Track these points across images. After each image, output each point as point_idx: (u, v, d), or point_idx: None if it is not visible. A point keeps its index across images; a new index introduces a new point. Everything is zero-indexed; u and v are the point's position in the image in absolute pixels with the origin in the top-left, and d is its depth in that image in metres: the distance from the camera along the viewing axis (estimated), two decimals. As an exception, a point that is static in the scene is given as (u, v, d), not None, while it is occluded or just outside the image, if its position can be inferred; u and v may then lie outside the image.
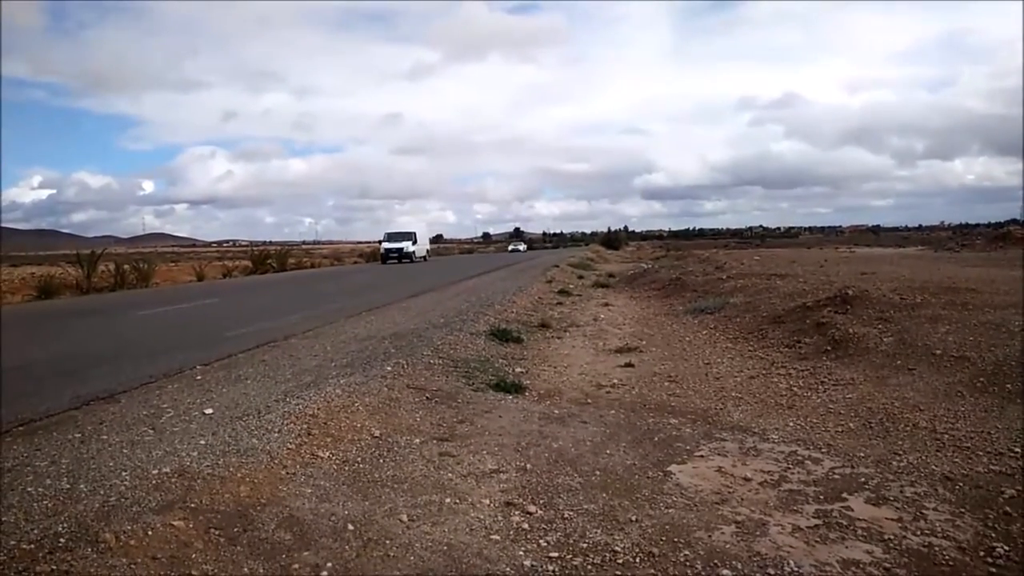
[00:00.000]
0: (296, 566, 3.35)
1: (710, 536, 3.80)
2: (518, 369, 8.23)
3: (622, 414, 6.27)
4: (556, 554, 3.56)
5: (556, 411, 6.34)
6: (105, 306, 16.95)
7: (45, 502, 3.69)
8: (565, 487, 4.48)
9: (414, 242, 42.38)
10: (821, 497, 4.36)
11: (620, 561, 3.50)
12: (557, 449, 5.22)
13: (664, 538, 3.75)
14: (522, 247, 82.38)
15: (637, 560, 3.51)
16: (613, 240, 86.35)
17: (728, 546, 3.68)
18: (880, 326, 8.37)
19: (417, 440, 5.29)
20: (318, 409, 5.56)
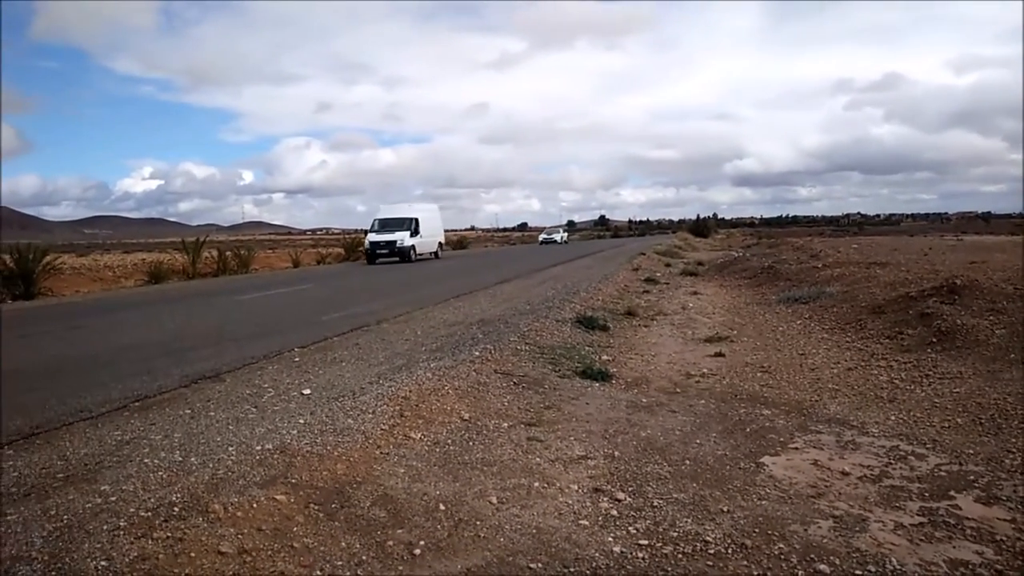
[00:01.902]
0: (391, 543, 3.46)
1: (806, 530, 3.69)
2: (604, 357, 8.19)
3: (712, 404, 6.15)
4: (646, 542, 3.54)
5: (644, 399, 6.28)
6: (209, 291, 17.85)
7: (160, 473, 3.93)
8: (654, 475, 4.45)
9: (414, 232, 28.98)
10: (926, 494, 4.17)
11: (712, 552, 3.45)
12: (646, 437, 5.18)
13: (757, 530, 3.67)
14: (560, 236, 61.06)
15: (729, 551, 3.45)
16: (701, 227, 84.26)
17: (825, 541, 3.57)
18: (991, 317, 7.88)
19: (505, 424, 5.35)
20: (410, 392, 5.70)
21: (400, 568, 3.25)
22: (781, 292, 13.59)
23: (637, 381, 7.07)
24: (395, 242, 28.27)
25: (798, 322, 10.35)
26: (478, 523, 3.72)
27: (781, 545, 3.51)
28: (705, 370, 7.53)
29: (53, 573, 2.84)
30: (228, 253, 26.84)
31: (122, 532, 3.19)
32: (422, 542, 3.48)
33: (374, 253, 28.51)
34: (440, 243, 33.75)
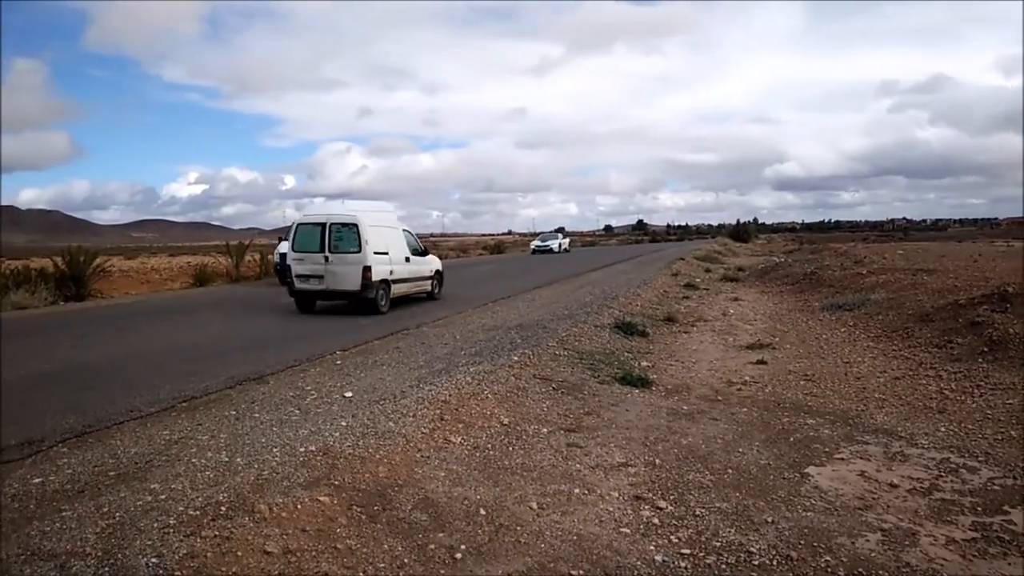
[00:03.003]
0: (432, 546, 3.48)
1: (853, 543, 3.62)
2: (644, 363, 8.14)
3: (755, 412, 6.06)
4: (688, 551, 3.51)
5: (685, 407, 6.22)
6: (252, 294, 18.15)
7: (207, 473, 4.01)
8: (696, 484, 4.40)
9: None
10: (979, 508, 4.05)
11: (756, 563, 3.40)
12: (687, 445, 5.13)
13: (803, 542, 3.61)
14: (556, 243, 46.30)
15: (774, 563, 3.40)
16: (741, 232, 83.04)
17: (874, 555, 3.49)
18: (1047, 327, 7.63)
19: (545, 430, 5.34)
20: (449, 396, 5.73)
21: (442, 572, 3.27)
22: (824, 299, 13.35)
23: (677, 388, 7.01)
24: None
25: (842, 330, 10.15)
26: (519, 528, 3.73)
27: (828, 558, 3.45)
28: (747, 378, 7.43)
29: (106, 569, 2.92)
30: (270, 257, 27.27)
31: (172, 530, 3.26)
32: (463, 546, 3.50)
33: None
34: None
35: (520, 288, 16.47)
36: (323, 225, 14.21)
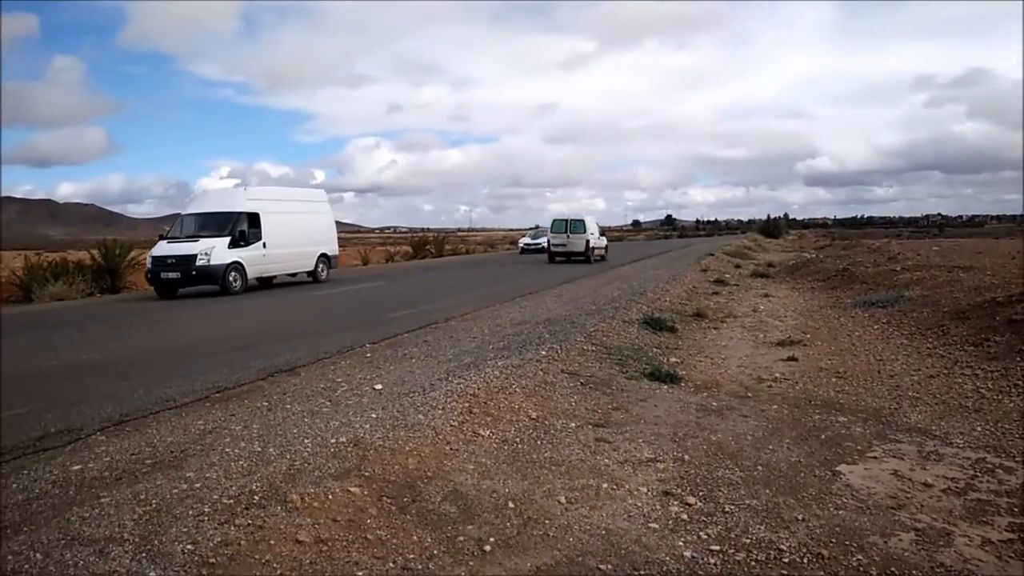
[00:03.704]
0: (461, 538, 3.51)
1: (886, 542, 3.57)
2: (673, 359, 8.09)
3: (785, 409, 6.00)
4: (717, 547, 3.49)
5: (714, 403, 6.18)
6: (282, 287, 18.35)
7: (241, 462, 4.08)
8: (725, 480, 4.37)
9: (244, 240, 16.13)
10: (1015, 509, 3.98)
11: (786, 560, 3.37)
12: (716, 442, 5.10)
13: (834, 540, 3.57)
14: (546, 240, 30.49)
15: (805, 561, 3.37)
16: (772, 228, 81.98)
17: (907, 554, 3.44)
18: (1089, 326, 7.45)
19: (573, 424, 5.34)
20: (478, 389, 5.75)
21: (471, 564, 3.29)
22: (857, 296, 13.17)
23: (707, 384, 6.96)
24: (193, 258, 15.10)
25: (875, 327, 10.00)
26: (547, 522, 3.73)
27: (860, 557, 3.41)
28: (777, 374, 7.36)
29: (143, 555, 2.98)
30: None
31: (206, 518, 3.32)
32: (492, 539, 3.51)
33: (161, 280, 15.47)
34: (326, 256, 19.26)
35: (549, 282, 16.46)
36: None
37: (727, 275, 19.73)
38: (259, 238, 16.56)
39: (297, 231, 17.87)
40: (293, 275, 18.54)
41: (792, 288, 16.90)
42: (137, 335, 10.07)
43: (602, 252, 27.75)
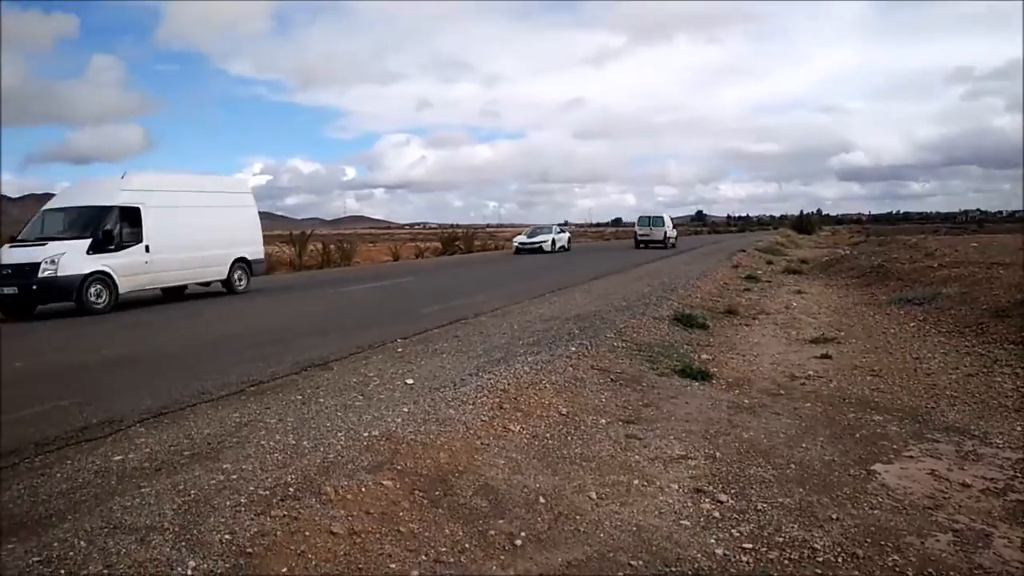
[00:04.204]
0: (492, 532, 3.53)
1: (923, 543, 3.52)
2: (704, 356, 8.03)
3: (819, 407, 5.94)
4: (750, 545, 3.47)
5: (746, 400, 6.13)
6: (316, 282, 18.60)
7: (276, 455, 4.15)
8: (757, 478, 4.34)
9: (115, 241, 12.85)
10: (1058, 512, 3.89)
11: (820, 559, 3.34)
12: (748, 439, 5.06)
13: (869, 540, 3.53)
14: (549, 239, 34.35)
15: (839, 560, 3.34)
16: (805, 224, 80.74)
17: (944, 555, 3.39)
18: None
19: (603, 420, 5.34)
20: (508, 385, 5.77)
21: (502, 558, 3.31)
22: (892, 292, 12.94)
23: (738, 381, 6.91)
24: (35, 268, 11.99)
25: (911, 324, 9.83)
26: (578, 517, 3.74)
27: (896, 557, 3.36)
28: (811, 372, 7.27)
29: (183, 543, 3.05)
30: (331, 246, 27.90)
31: (243, 508, 3.39)
32: (523, 533, 3.53)
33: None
34: (245, 261, 15.90)
35: (578, 278, 16.43)
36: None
37: (759, 271, 19.51)
38: (139, 239, 13.11)
39: (201, 231, 14.28)
40: (206, 284, 15.47)
41: (826, 285, 16.66)
42: (173, 330, 10.27)
43: (674, 240, 37.59)
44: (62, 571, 2.77)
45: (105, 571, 2.79)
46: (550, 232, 34.68)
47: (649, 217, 38.22)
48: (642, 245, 36.09)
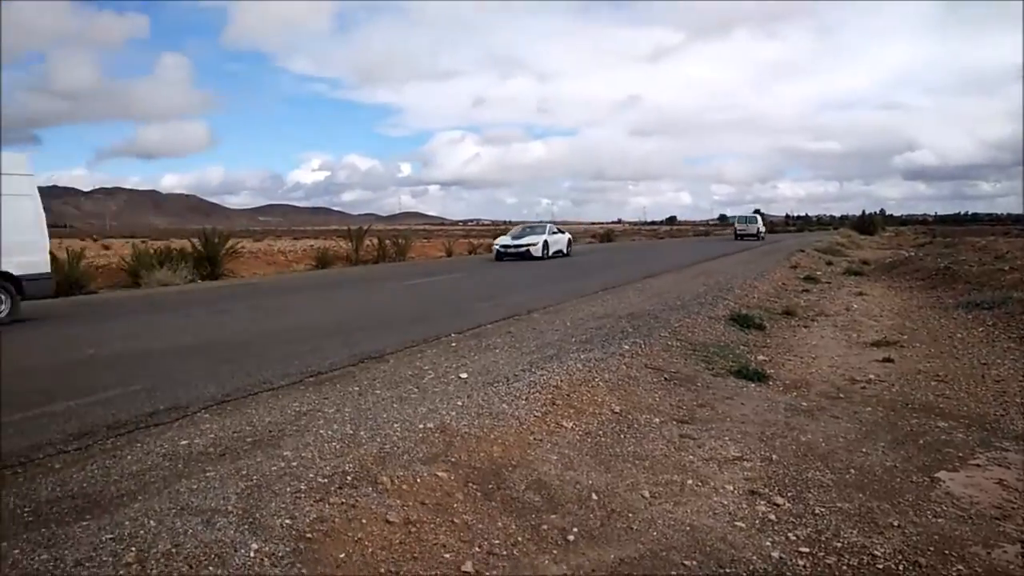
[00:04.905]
0: (544, 527, 3.55)
1: (989, 553, 3.41)
2: (760, 357, 7.90)
3: (880, 412, 5.78)
4: (807, 549, 3.41)
5: (804, 403, 6.01)
6: (371, 277, 18.89)
7: (334, 444, 4.24)
8: (815, 482, 4.25)
9: None
10: None
11: (880, 567, 3.26)
12: (806, 442, 4.96)
13: (932, 549, 3.43)
14: (540, 242, 25.05)
15: (900, 568, 3.25)
16: (867, 224, 78.17)
17: (1012, 567, 3.28)
18: None
19: (657, 419, 5.31)
20: (561, 381, 5.78)
21: (554, 552, 3.33)
22: (959, 296, 12.48)
23: (796, 384, 6.77)
24: None
25: (979, 329, 9.47)
26: (630, 515, 3.74)
27: (960, 567, 3.27)
28: (872, 376, 7.08)
29: (246, 526, 3.15)
30: (387, 242, 28.29)
31: (303, 495, 3.48)
32: (575, 529, 3.55)
33: None
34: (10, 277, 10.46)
35: (632, 277, 16.31)
36: None
37: (818, 272, 19.03)
38: None
39: None
40: None
41: (888, 287, 16.16)
42: (236, 321, 10.58)
43: (764, 234, 47.95)
44: (133, 549, 2.89)
45: (173, 550, 2.90)
46: (542, 232, 26.23)
47: (746, 216, 50.64)
48: (739, 238, 45.84)
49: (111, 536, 3.00)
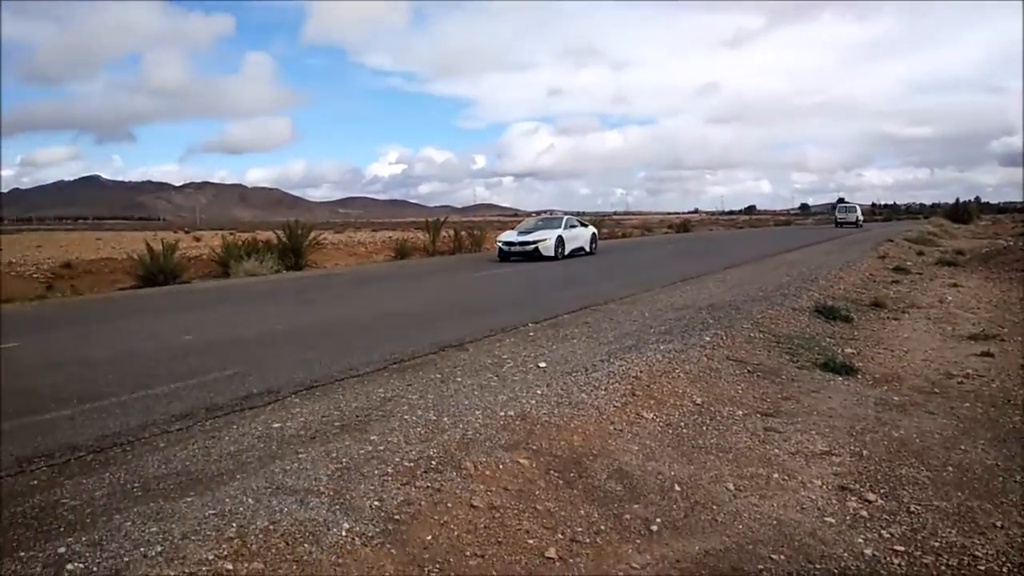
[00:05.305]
0: (627, 516, 3.55)
1: (1104, 560, 3.22)
2: (848, 350, 7.63)
3: (979, 408, 5.51)
4: (902, 548, 3.30)
5: (895, 398, 5.78)
6: (448, 267, 19.14)
7: (418, 429, 4.34)
8: (910, 479, 4.10)
9: None
10: None
11: (982, 568, 3.13)
12: (898, 438, 4.78)
13: (1039, 552, 3.27)
14: (553, 237, 20.39)
15: (1004, 570, 3.11)
16: (961, 212, 74.05)
17: None
18: None
19: (740, 412, 5.21)
20: (640, 372, 5.74)
21: (638, 542, 3.33)
22: (1067, 287, 11.73)
23: (886, 377, 6.52)
24: None
25: (1090, 323, 8.89)
26: (715, 507, 3.69)
27: (1070, 572, 3.10)
28: (969, 371, 6.74)
29: (337, 507, 3.26)
30: (463, 233, 28.59)
31: (390, 478, 3.58)
32: (658, 519, 3.53)
33: None
34: None
35: (710, 267, 16.00)
36: None
37: (908, 263, 18.21)
38: None
39: None
40: None
41: (985, 278, 15.32)
42: (320, 309, 10.92)
43: (862, 221, 52.53)
44: (233, 524, 3.04)
45: (271, 527, 3.03)
46: (557, 226, 21.45)
47: (845, 206, 56.07)
48: (839, 225, 50.03)
49: (213, 512, 3.16)
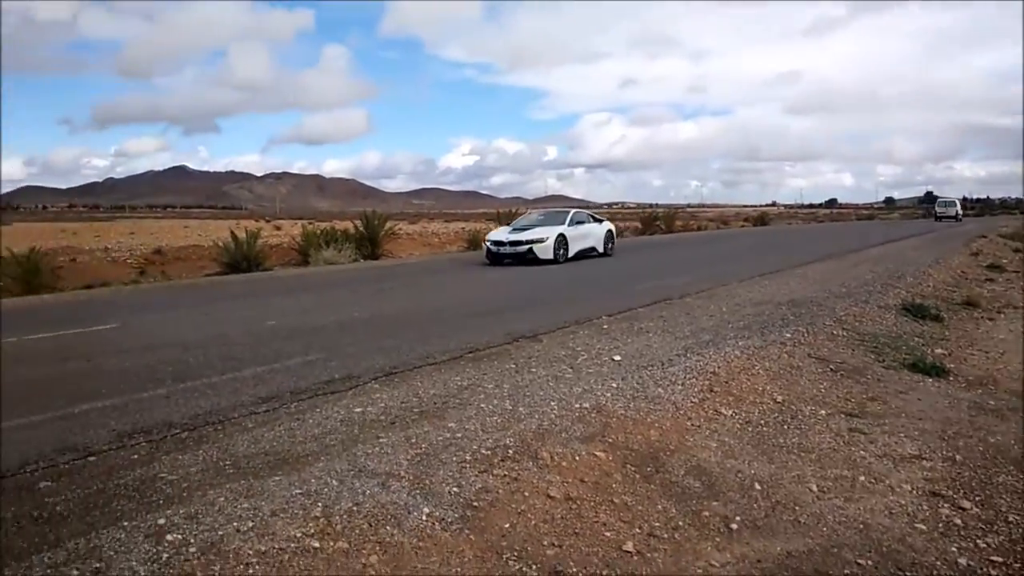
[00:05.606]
0: (706, 513, 3.50)
1: None
2: (938, 350, 7.31)
3: (1086, 416, 5.19)
4: (999, 559, 3.15)
5: (991, 401, 5.51)
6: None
7: (495, 418, 4.38)
8: (1008, 488, 3.91)
9: None
10: None
11: (1088, 584, 2.96)
12: (994, 444, 4.55)
13: None
14: (553, 234, 16.22)
15: (1113, 588, 2.93)
16: (1063, 207, 69.85)
17: None
18: None
19: (823, 412, 5.06)
20: (718, 368, 5.64)
21: (717, 540, 3.28)
22: None
23: (981, 380, 6.21)
24: None
25: None
26: (797, 508, 3.60)
27: None
28: (1074, 376, 6.36)
29: (417, 491, 3.33)
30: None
31: (468, 465, 3.63)
32: (738, 518, 3.47)
33: None
34: None
35: (790, 262, 15.54)
36: None
37: (1004, 260, 17.29)
38: None
39: None
40: None
41: (1092, 278, 14.40)
42: (398, 298, 11.14)
43: (962, 216, 53.05)
44: (319, 504, 3.14)
45: (354, 508, 3.12)
46: (560, 222, 17.46)
47: (945, 200, 59.12)
48: (939, 219, 52.02)
49: (300, 491, 3.27)
